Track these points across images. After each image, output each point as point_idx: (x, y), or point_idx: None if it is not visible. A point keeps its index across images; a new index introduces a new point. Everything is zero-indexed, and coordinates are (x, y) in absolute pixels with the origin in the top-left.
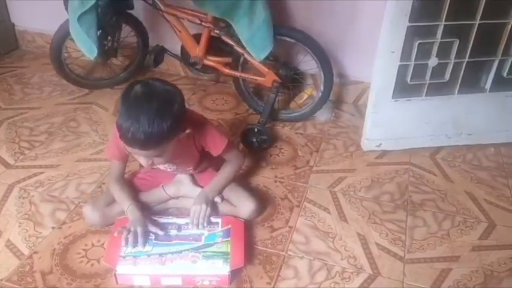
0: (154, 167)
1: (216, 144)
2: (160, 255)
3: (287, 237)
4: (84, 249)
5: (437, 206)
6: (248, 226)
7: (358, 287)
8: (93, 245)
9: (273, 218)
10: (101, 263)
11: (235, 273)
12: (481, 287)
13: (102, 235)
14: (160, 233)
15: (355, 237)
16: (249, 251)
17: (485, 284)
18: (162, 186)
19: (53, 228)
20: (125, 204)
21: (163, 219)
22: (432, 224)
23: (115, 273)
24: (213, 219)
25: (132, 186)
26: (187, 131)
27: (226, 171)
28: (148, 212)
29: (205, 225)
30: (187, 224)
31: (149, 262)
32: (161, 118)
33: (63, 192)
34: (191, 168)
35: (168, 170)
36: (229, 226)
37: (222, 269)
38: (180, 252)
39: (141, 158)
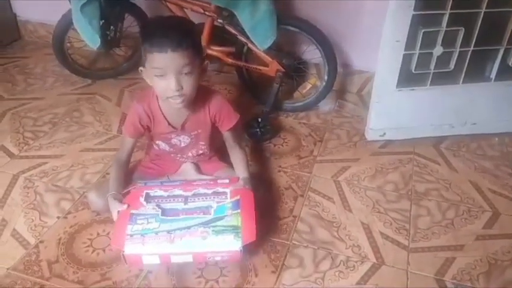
0: (179, 97)
1: (230, 117)
2: (169, 232)
3: (291, 226)
4: (89, 239)
5: (442, 195)
6: (256, 197)
7: (363, 276)
8: (98, 234)
9: (277, 207)
10: (106, 252)
11: (247, 248)
12: (485, 275)
13: (108, 225)
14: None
15: (359, 226)
16: (260, 223)
17: (489, 272)
18: (167, 176)
19: (58, 218)
20: (110, 189)
21: (169, 192)
22: (436, 213)
23: (123, 255)
24: (220, 189)
25: (132, 174)
26: (206, 61)
27: (241, 157)
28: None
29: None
30: (194, 195)
31: (157, 240)
32: (186, 23)
33: (67, 182)
34: (203, 143)
35: (182, 145)
36: (238, 197)
37: (234, 244)
38: (189, 228)
39: (170, 80)
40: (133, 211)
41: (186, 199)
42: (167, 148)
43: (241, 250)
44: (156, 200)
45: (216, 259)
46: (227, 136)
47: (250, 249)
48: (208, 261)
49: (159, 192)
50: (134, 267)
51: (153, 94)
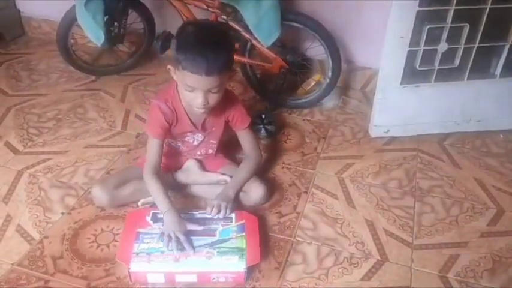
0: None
1: (243, 118)
2: None
3: (295, 223)
4: (93, 235)
5: (446, 192)
6: (261, 221)
7: (366, 273)
8: (102, 230)
9: (281, 204)
10: (111, 248)
11: (250, 270)
12: (489, 272)
13: (112, 221)
14: (199, 228)
15: (363, 223)
16: (264, 246)
17: (493, 269)
18: (172, 173)
19: (62, 213)
20: (163, 207)
21: None
22: (440, 210)
23: (128, 271)
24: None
25: (163, 176)
26: (235, 71)
27: (246, 168)
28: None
29: (221, 217)
30: (201, 219)
31: (163, 259)
32: (223, 40)
33: (71, 178)
34: (214, 142)
35: (195, 143)
36: (243, 221)
37: (238, 265)
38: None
39: (198, 96)
40: (140, 230)
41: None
42: (180, 146)
43: (245, 271)
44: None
45: (220, 280)
46: (242, 139)
47: (253, 271)
48: (212, 283)
49: None
50: (139, 285)
51: (174, 92)
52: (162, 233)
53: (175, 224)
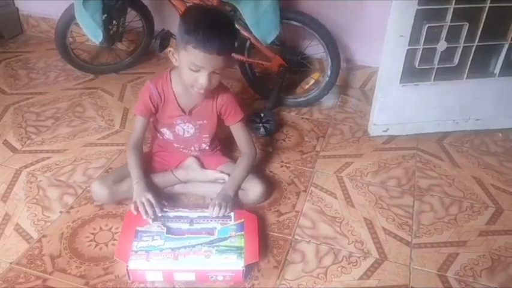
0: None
1: (235, 113)
2: (173, 249)
3: (294, 221)
4: (92, 233)
5: (445, 191)
6: (261, 220)
7: (365, 271)
8: (101, 229)
9: (280, 202)
10: (109, 247)
11: (249, 268)
12: (488, 271)
13: (110, 219)
14: (162, 207)
15: (362, 222)
16: (262, 245)
17: (492, 268)
18: (172, 170)
19: (61, 212)
20: (134, 178)
21: (174, 213)
22: (439, 209)
23: (127, 269)
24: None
25: (146, 158)
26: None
27: (242, 165)
28: (158, 192)
29: (220, 216)
30: (199, 217)
31: (162, 257)
32: (230, 22)
33: (70, 176)
34: (207, 135)
35: (186, 135)
36: (243, 220)
37: (236, 264)
38: (193, 246)
39: (202, 76)
40: (138, 228)
41: (191, 220)
42: (171, 137)
43: (243, 270)
44: (162, 220)
45: (219, 278)
46: (235, 133)
47: (252, 269)
48: (210, 281)
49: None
50: (137, 283)
51: (166, 77)
52: (135, 202)
53: (143, 191)
